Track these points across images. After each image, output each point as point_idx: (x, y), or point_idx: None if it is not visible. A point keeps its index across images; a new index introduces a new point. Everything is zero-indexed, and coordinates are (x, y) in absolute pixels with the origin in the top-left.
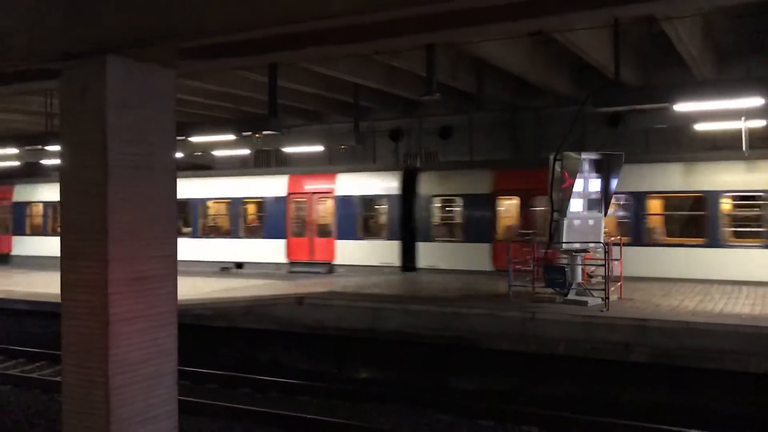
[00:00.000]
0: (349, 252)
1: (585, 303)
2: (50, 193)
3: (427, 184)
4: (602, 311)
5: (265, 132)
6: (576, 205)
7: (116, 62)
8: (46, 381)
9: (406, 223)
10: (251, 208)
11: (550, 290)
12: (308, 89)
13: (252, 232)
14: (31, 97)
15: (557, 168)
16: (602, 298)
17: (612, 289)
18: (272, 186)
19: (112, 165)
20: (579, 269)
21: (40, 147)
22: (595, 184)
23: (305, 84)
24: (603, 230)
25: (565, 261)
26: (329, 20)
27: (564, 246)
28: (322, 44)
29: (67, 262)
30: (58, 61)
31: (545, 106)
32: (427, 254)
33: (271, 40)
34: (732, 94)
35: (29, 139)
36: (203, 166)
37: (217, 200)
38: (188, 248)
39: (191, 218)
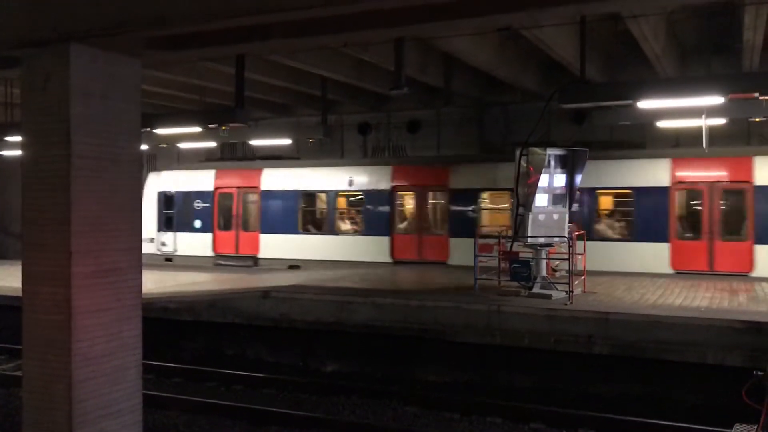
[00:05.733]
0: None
1: (549, 296)
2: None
3: None
4: (566, 304)
5: (231, 124)
6: (541, 199)
7: (80, 51)
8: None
9: None
10: None
11: (515, 284)
12: (276, 82)
13: None
14: None
15: (523, 163)
16: (566, 292)
17: (576, 282)
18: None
19: (76, 156)
20: (544, 263)
21: None
22: (560, 180)
23: (273, 76)
24: (567, 224)
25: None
26: (300, 11)
27: (529, 240)
28: (291, 36)
29: (28, 254)
30: (20, 49)
31: (513, 102)
32: None
33: (240, 31)
34: (693, 92)
35: None
36: None
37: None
38: None
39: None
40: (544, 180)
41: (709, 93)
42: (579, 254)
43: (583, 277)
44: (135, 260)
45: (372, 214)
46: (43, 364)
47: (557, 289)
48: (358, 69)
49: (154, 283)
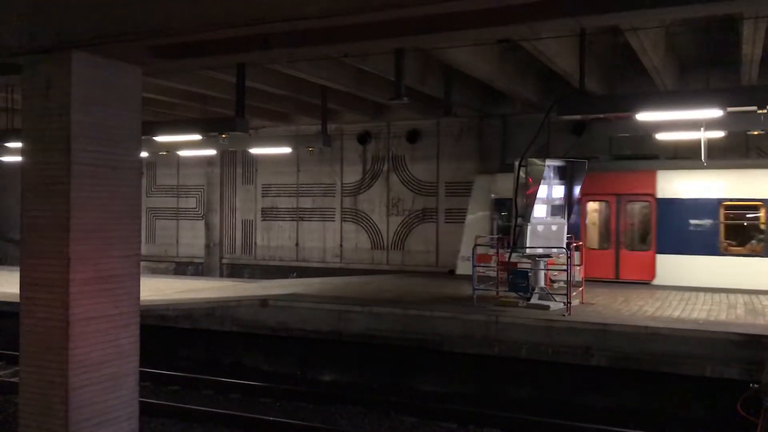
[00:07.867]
0: None
1: (547, 307)
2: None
3: None
4: (564, 315)
5: (231, 133)
6: (540, 210)
7: (82, 58)
8: (2, 382)
9: None
10: None
11: (513, 294)
12: (276, 90)
13: None
14: None
15: (522, 174)
16: (564, 303)
17: (574, 293)
18: None
19: (76, 162)
20: (542, 274)
21: None
22: (558, 191)
23: (273, 85)
24: (565, 236)
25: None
26: (299, 22)
27: (527, 251)
28: (291, 46)
29: (27, 261)
30: (21, 56)
31: (513, 113)
32: None
33: (240, 41)
34: (692, 104)
35: None
36: None
37: None
38: None
39: None
40: (542, 191)
41: (707, 106)
42: (577, 265)
43: (581, 288)
44: (133, 267)
45: None
46: (40, 370)
47: (555, 300)
48: (357, 78)
49: (152, 290)
